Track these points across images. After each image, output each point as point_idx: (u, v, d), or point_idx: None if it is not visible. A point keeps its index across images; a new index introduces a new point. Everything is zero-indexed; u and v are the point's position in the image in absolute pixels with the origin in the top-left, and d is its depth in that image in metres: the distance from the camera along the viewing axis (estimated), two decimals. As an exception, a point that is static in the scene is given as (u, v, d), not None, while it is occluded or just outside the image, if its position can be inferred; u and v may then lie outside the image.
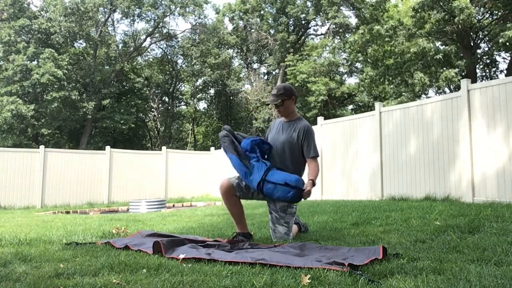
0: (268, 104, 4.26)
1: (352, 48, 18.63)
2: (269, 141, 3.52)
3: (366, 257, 2.38)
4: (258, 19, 25.14)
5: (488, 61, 20.79)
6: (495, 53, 19.79)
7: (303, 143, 3.40)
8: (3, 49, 19.37)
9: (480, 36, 17.52)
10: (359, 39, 17.31)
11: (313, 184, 3.25)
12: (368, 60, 17.93)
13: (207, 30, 25.04)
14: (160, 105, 29.32)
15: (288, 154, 3.42)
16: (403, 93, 17.80)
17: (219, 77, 25.52)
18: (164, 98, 29.89)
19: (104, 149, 13.02)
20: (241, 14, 25.88)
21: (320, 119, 9.59)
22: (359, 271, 2.11)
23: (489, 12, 15.77)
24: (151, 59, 28.44)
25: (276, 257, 2.47)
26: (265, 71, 28.65)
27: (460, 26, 14.19)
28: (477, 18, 14.99)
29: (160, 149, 14.21)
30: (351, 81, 34.24)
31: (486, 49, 19.40)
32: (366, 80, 18.17)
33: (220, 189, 3.42)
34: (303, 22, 25.35)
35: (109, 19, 24.64)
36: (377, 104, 8.08)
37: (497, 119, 5.83)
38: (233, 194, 3.42)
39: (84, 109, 20.70)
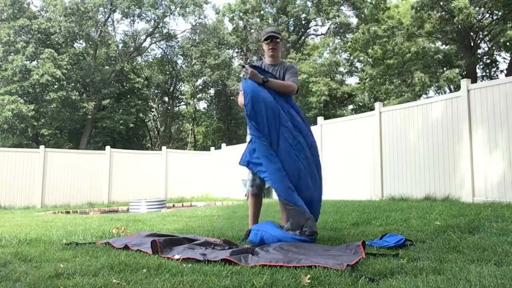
0: (266, 39, 3.60)
1: (352, 47, 18.61)
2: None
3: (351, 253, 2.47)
4: (258, 19, 25.12)
5: (488, 61, 20.77)
6: (495, 53, 19.79)
7: (286, 74, 3.53)
8: (3, 49, 19.33)
9: (480, 36, 17.50)
10: (360, 38, 17.30)
11: (253, 73, 3.28)
12: (368, 59, 17.93)
13: (207, 30, 25.01)
14: (160, 105, 29.29)
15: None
16: (403, 94, 17.79)
17: (219, 77, 25.49)
18: (164, 98, 29.87)
19: (104, 149, 13.00)
20: (241, 14, 25.86)
21: (320, 119, 9.58)
22: (358, 271, 2.11)
23: (489, 12, 15.76)
24: (151, 59, 28.42)
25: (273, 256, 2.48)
26: (265, 71, 28.59)
27: (459, 26, 14.17)
28: (477, 18, 14.96)
29: (160, 149, 14.20)
30: (352, 81, 34.21)
31: (486, 49, 19.39)
32: (367, 79, 18.15)
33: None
34: (303, 21, 25.34)
35: (109, 19, 24.62)
36: (377, 104, 8.09)
37: (497, 119, 5.82)
38: (260, 196, 3.55)
39: (84, 109, 20.67)
